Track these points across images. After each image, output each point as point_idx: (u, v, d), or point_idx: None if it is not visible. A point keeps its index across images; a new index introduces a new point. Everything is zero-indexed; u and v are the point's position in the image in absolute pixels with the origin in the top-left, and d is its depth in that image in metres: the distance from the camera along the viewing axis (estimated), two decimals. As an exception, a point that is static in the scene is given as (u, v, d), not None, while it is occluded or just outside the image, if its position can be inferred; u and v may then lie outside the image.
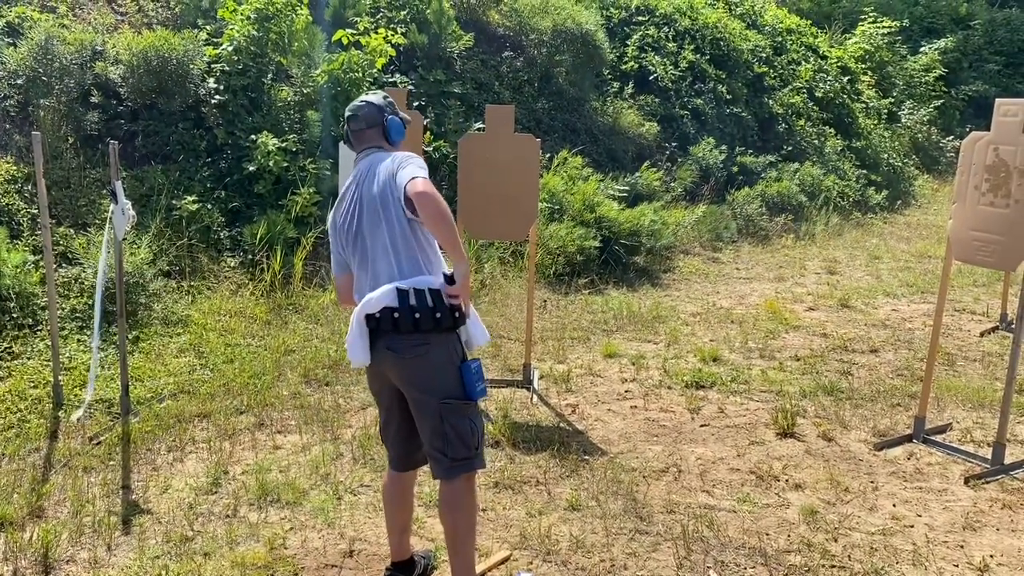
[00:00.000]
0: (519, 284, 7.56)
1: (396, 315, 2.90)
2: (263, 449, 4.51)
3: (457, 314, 2.97)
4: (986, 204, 4.47)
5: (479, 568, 3.38)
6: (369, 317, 2.95)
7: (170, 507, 3.89)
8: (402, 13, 9.70)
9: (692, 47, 12.09)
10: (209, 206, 7.09)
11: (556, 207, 8.72)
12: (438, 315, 2.92)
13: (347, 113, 3.17)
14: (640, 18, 12.13)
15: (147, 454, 4.40)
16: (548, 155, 9.49)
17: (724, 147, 11.06)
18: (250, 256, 6.86)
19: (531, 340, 5.57)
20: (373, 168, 3.04)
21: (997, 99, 4.62)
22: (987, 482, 4.29)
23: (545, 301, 7.47)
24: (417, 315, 2.90)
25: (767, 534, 3.74)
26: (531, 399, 5.29)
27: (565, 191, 8.88)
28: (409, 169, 2.93)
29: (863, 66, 15.67)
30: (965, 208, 4.56)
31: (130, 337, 5.55)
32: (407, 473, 3.23)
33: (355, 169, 3.14)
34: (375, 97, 3.18)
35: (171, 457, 4.39)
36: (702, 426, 4.93)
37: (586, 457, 4.48)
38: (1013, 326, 4.49)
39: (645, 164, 10.17)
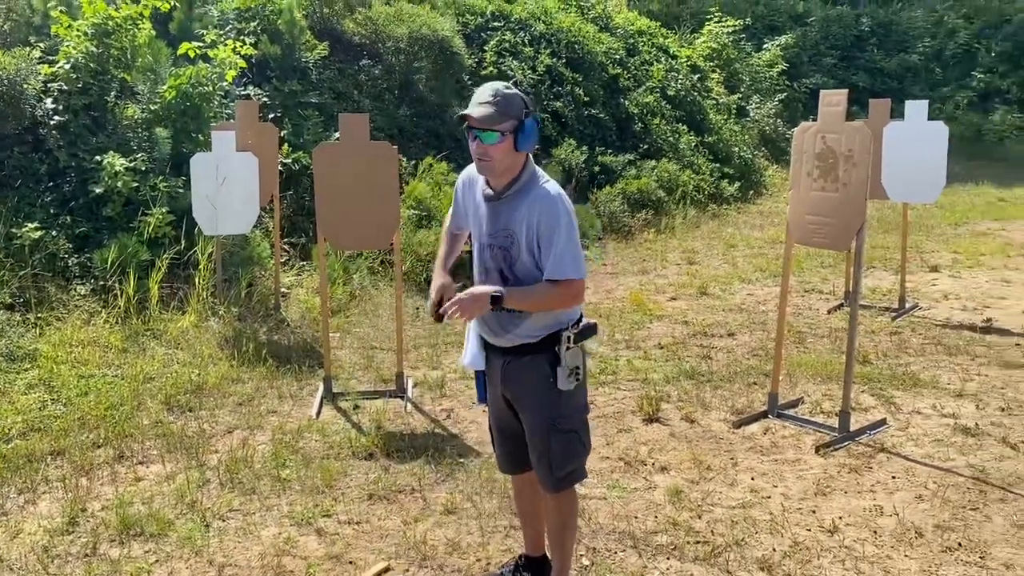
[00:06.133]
0: (390, 293, 7.52)
1: None
2: (124, 482, 4.31)
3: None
4: (818, 189, 4.77)
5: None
6: None
7: (22, 552, 3.66)
8: (252, 24, 9.48)
9: (548, 51, 12.34)
10: (54, 232, 6.72)
11: (424, 214, 8.72)
12: None
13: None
14: (496, 24, 12.29)
15: (-6, 499, 4.13)
16: (413, 162, 9.48)
17: (585, 148, 11.34)
18: (101, 282, 6.54)
19: (402, 349, 5.55)
20: None
21: (822, 91, 4.94)
22: (835, 449, 4.58)
23: (418, 308, 7.45)
24: None
25: (636, 517, 3.88)
26: (405, 408, 5.27)
27: (432, 197, 8.90)
28: None
29: (711, 64, 16.39)
30: (800, 194, 4.86)
31: (-30, 377, 5.19)
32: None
33: None
34: None
35: (22, 499, 4.13)
36: (573, 419, 5.04)
37: (461, 460, 4.51)
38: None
39: (509, 167, 10.29)
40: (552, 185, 2.86)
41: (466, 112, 2.76)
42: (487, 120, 2.74)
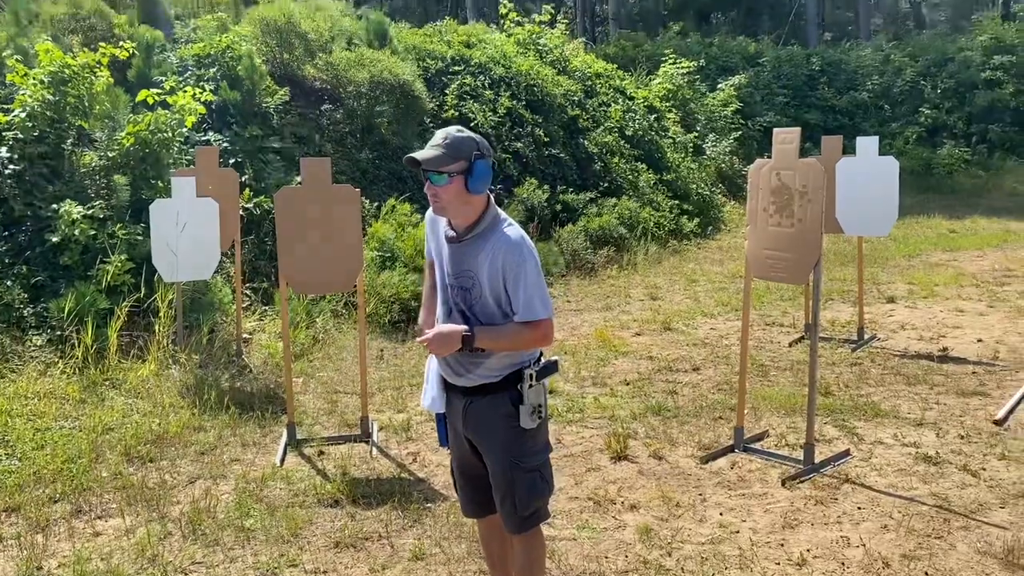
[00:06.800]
0: (353, 336, 7.47)
1: None
2: (81, 537, 4.20)
3: None
4: (775, 225, 4.86)
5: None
6: None
7: (-26, 615, 3.54)
8: (211, 70, 9.49)
9: (508, 94, 12.49)
10: (9, 283, 6.62)
11: (387, 255, 8.71)
12: None
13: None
14: (456, 68, 12.43)
15: (-55, 560, 3.99)
16: (376, 204, 9.49)
17: (546, 187, 11.44)
18: (58, 332, 6.42)
19: (366, 392, 5.50)
20: None
21: (775, 128, 5.06)
22: (801, 481, 4.61)
23: (382, 350, 7.41)
24: None
25: (606, 557, 3.86)
26: (371, 452, 5.21)
27: (395, 239, 8.90)
28: None
29: (668, 104, 16.69)
30: (757, 229, 4.94)
31: (-80, 433, 5.05)
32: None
33: None
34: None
35: (-26, 560, 4.00)
36: (541, 459, 5.02)
37: (428, 505, 4.46)
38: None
39: (472, 208, 10.33)
40: (514, 229, 2.89)
41: (412, 155, 2.82)
42: (433, 162, 2.81)
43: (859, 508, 4.29)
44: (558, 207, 11.49)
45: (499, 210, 2.96)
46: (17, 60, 7.74)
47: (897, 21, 36.44)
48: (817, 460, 4.77)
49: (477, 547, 3.94)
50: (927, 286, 9.41)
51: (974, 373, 6.40)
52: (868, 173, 7.04)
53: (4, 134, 7.38)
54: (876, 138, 7.32)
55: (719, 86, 18.57)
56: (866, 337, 7.44)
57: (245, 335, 7.26)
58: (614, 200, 12.16)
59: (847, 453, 4.95)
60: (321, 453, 5.20)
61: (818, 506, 4.32)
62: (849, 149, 7.67)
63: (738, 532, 4.07)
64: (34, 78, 7.52)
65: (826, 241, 5.11)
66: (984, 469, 4.69)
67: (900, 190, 7.15)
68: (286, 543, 4.07)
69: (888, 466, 4.78)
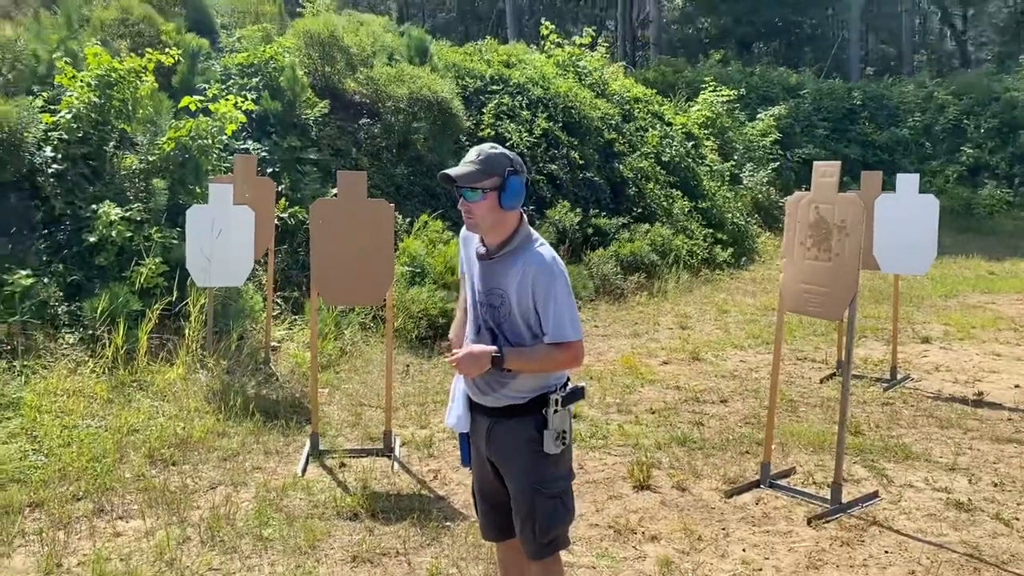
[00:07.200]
0: (381, 349, 7.48)
1: None
2: (102, 537, 4.21)
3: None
4: (811, 258, 4.80)
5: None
6: None
7: (-8, 609, 3.56)
8: (254, 80, 9.61)
9: (545, 115, 12.52)
10: (46, 280, 6.71)
11: (417, 270, 8.73)
12: None
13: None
14: (494, 87, 12.49)
15: (-33, 552, 4.02)
16: (408, 219, 9.53)
17: (579, 210, 11.43)
18: (90, 331, 6.49)
19: (391, 406, 5.50)
20: None
21: (815, 162, 5.00)
22: (827, 521, 4.51)
23: (408, 365, 7.41)
24: None
25: (625, 588, 3.80)
26: (392, 467, 5.19)
27: (426, 254, 8.93)
28: None
29: (706, 132, 16.65)
30: (794, 262, 4.88)
31: (-49, 424, 5.12)
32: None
33: None
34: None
35: (-5, 553, 4.03)
36: (562, 484, 4.96)
37: (447, 523, 4.43)
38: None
39: (504, 227, 10.34)
40: (546, 248, 2.88)
41: (446, 171, 2.83)
42: (467, 178, 2.82)
43: (886, 552, 4.18)
44: (590, 231, 11.46)
45: (531, 229, 2.95)
46: (66, 62, 7.90)
47: (941, 58, 36.11)
48: (844, 500, 4.67)
49: (494, 569, 3.90)
50: (963, 328, 9.23)
51: (1010, 419, 6.25)
52: (907, 211, 6.92)
53: (50, 134, 7.51)
54: (916, 175, 7.19)
55: (759, 116, 18.50)
56: (899, 377, 7.30)
57: (274, 343, 7.30)
58: (647, 226, 12.11)
59: (875, 495, 4.84)
60: (343, 465, 5.19)
61: (844, 547, 4.23)
62: (888, 185, 7.57)
63: (761, 570, 3.99)
64: (81, 80, 7.66)
65: (862, 278, 5.03)
66: (1017, 519, 4.56)
67: (939, 229, 7.03)
68: (303, 554, 4.06)
69: (918, 510, 4.67)
